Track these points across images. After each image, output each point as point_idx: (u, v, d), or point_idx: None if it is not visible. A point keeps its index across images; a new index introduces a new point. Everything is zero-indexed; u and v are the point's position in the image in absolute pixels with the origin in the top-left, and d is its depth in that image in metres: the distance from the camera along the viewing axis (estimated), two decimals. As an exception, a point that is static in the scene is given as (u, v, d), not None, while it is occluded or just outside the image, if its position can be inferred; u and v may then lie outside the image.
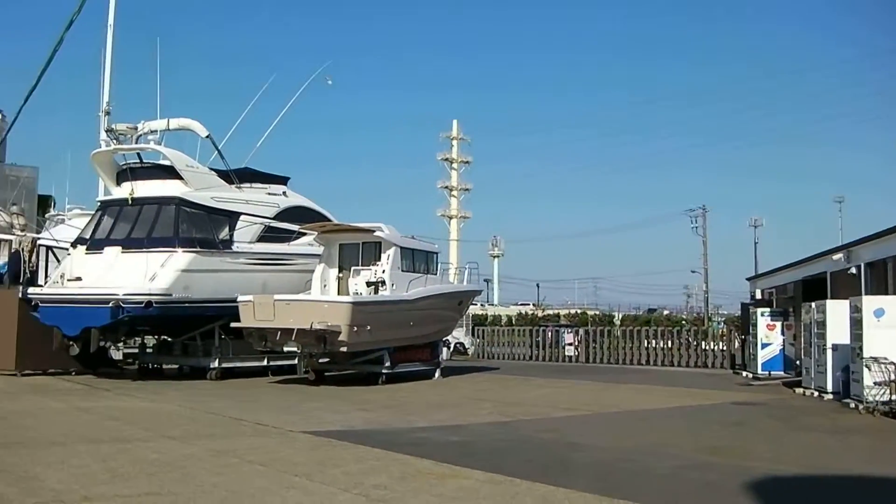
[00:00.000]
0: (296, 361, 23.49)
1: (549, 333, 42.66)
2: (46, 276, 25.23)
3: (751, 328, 29.10)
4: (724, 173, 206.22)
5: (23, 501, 7.97)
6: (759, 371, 27.84)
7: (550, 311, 77.12)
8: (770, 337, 27.98)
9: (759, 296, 36.61)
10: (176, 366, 25.82)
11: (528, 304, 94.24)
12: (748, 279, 45.21)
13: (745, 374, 29.46)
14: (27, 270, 24.85)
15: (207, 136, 26.57)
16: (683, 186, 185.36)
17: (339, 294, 24.08)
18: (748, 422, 17.17)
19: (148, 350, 26.77)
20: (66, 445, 11.55)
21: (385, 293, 23.87)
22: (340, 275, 24.88)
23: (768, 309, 29.70)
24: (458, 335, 40.80)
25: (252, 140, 29.71)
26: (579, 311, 78.58)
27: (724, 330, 42.28)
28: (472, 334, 45.03)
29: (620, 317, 73.37)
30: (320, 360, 23.55)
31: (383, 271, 24.10)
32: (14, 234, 26.49)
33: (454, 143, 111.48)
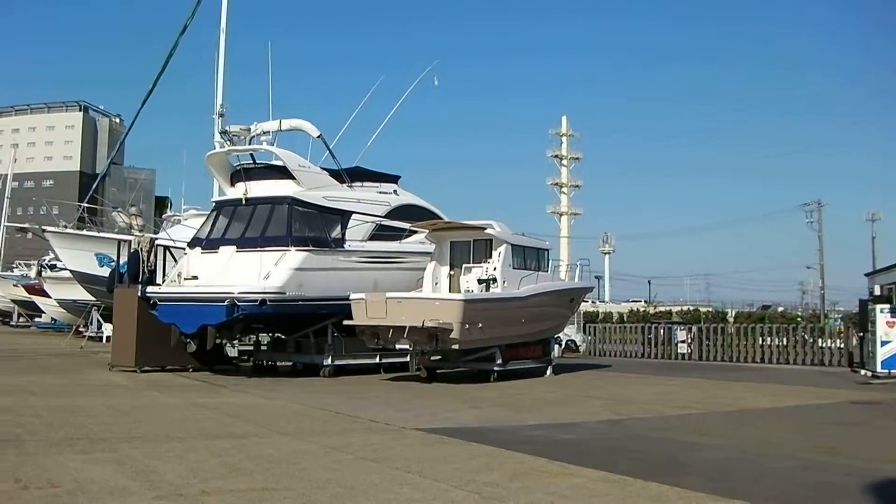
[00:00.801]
0: (408, 359, 23.60)
1: (662, 330, 42.16)
2: (164, 276, 25.74)
3: (869, 325, 28.32)
4: (841, 167, 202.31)
5: (143, 494, 8.17)
6: (879, 369, 27.05)
7: (662, 308, 76.39)
8: (890, 334, 27.18)
9: (877, 292, 35.69)
10: (290, 363, 26.16)
11: (640, 301, 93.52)
12: (866, 275, 44.20)
13: (863, 372, 28.67)
14: (146, 270, 25.42)
15: (319, 137, 26.90)
16: (798, 180, 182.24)
17: (450, 292, 24.12)
18: (868, 421, 16.75)
19: (262, 347, 27.19)
20: (184, 440, 11.79)
21: (496, 290, 23.84)
22: (452, 272, 24.93)
23: (888, 305, 28.86)
24: (570, 332, 40.52)
25: (362, 140, 30.01)
26: (691, 308, 77.63)
27: (841, 327, 41.22)
28: (584, 331, 44.75)
29: (733, 313, 72.17)
30: (432, 358, 23.58)
31: (494, 269, 24.07)
32: (133, 235, 27.14)
33: (564, 139, 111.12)
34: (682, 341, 39.90)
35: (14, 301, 66.47)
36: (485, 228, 24.60)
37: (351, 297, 22.45)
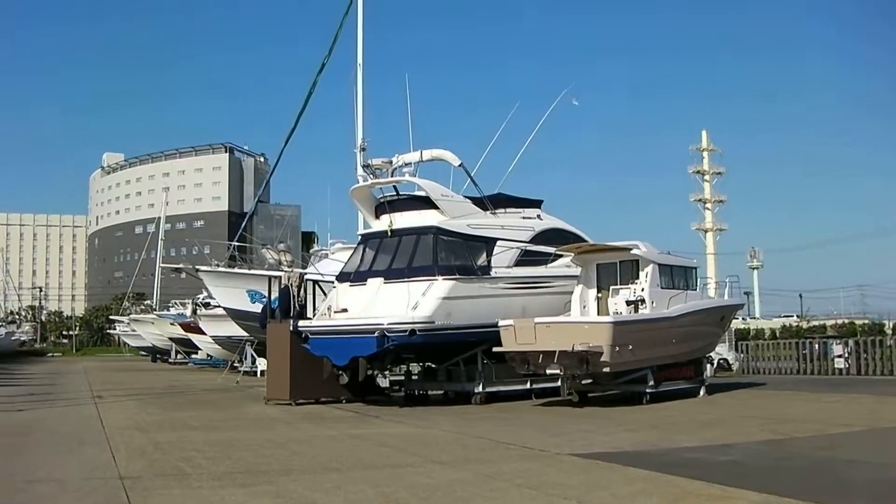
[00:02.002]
0: (559, 383, 23.45)
1: (817, 346, 41.06)
2: (315, 310, 26.12)
3: None
4: None
5: (305, 528, 8.27)
6: None
7: (816, 322, 74.51)
8: None
9: None
10: (441, 391, 26.22)
11: (792, 316, 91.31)
12: None
13: None
14: (297, 305, 25.84)
15: (460, 165, 27.02)
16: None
17: (598, 314, 23.90)
18: None
19: (413, 377, 27.34)
20: (341, 472, 11.92)
21: (645, 311, 23.53)
22: (599, 295, 24.71)
23: None
24: (722, 351, 39.78)
25: (502, 166, 30.02)
26: (846, 321, 75.49)
27: None
28: (736, 349, 43.89)
29: (892, 325, 69.85)
30: (583, 382, 23.40)
31: (642, 289, 23.78)
32: (283, 271, 27.63)
33: (705, 154, 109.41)
34: (839, 356, 38.74)
35: (171, 339, 68.50)
36: (631, 249, 24.35)
37: (499, 324, 22.42)
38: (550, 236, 26.58)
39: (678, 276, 25.33)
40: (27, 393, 32.10)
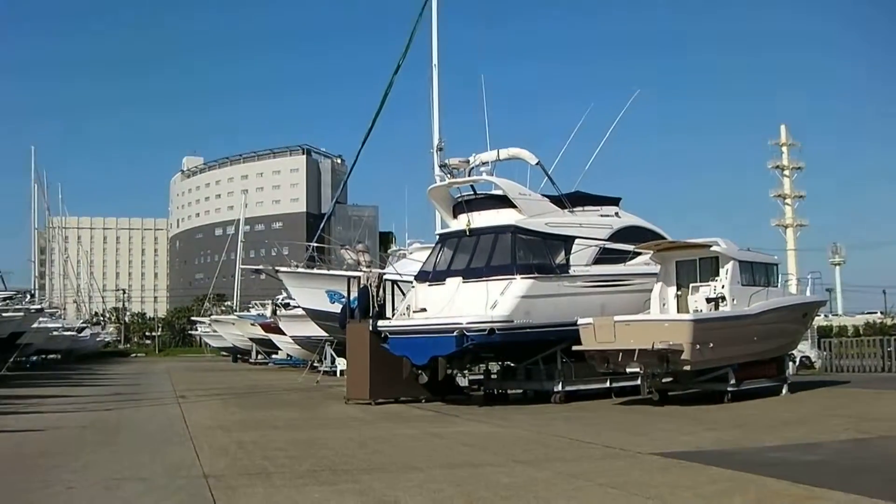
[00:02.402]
0: (638, 382, 23.28)
1: (902, 343, 40.30)
2: (393, 309, 26.24)
3: None
4: None
5: (388, 526, 8.32)
6: None
7: (901, 318, 73.11)
8: None
9: None
10: (520, 390, 26.18)
11: (875, 313, 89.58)
12: None
13: None
14: (376, 304, 25.96)
15: (537, 164, 26.96)
16: None
17: (678, 312, 23.69)
18: None
19: (492, 376, 27.31)
20: (423, 470, 11.96)
21: (726, 309, 23.27)
22: (679, 292, 24.48)
23: None
24: (804, 348, 39.21)
25: (580, 163, 29.90)
26: (932, 316, 73.98)
27: None
28: (818, 347, 43.23)
29: (981, 319, 68.25)
30: (663, 380, 23.20)
31: (723, 286, 23.52)
32: (361, 271, 27.77)
33: (784, 149, 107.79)
34: (926, 353, 37.99)
35: (252, 339, 69.20)
36: (710, 246, 24.09)
37: (578, 323, 22.32)
38: (629, 234, 26.40)
39: (759, 273, 24.99)
40: (113, 393, 32.73)
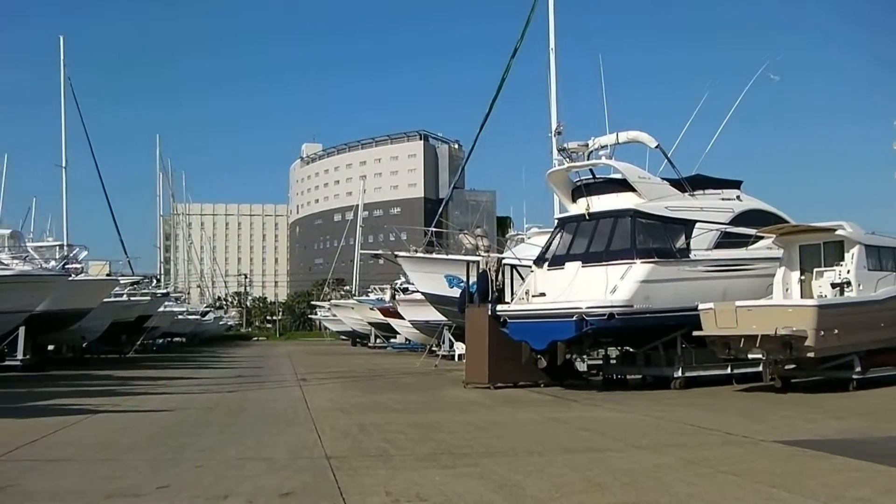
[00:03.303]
0: (760, 369, 22.88)
1: None
2: (512, 294, 26.25)
3: None
4: None
5: (509, 509, 8.34)
6: None
7: None
8: None
9: None
10: (639, 376, 25.95)
11: None
12: None
13: None
14: (495, 289, 26.00)
15: (657, 147, 26.70)
16: None
17: (802, 297, 23.19)
18: None
19: (611, 361, 27.15)
20: (543, 455, 11.94)
21: (851, 294, 22.69)
22: (802, 277, 23.94)
23: None
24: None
25: (700, 146, 29.51)
26: None
27: None
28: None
29: None
30: (786, 367, 22.75)
31: (848, 271, 22.93)
32: (480, 256, 27.83)
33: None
34: None
35: (371, 323, 69.90)
36: (835, 230, 23.47)
37: (699, 308, 22.01)
38: (751, 218, 25.92)
39: (886, 258, 24.27)
40: (236, 375, 33.46)
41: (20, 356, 35.10)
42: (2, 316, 31.39)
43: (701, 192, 26.19)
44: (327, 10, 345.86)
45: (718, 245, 24.83)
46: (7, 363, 34.45)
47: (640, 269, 22.76)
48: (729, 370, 24.49)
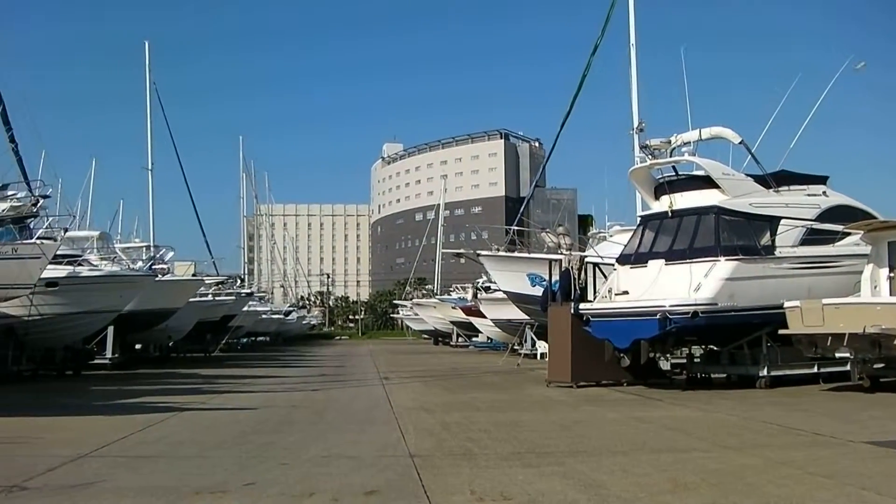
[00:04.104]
0: (848, 368, 22.50)
1: None
2: (595, 292, 26.14)
3: None
4: None
5: (594, 508, 8.31)
6: None
7: None
8: None
9: None
10: (723, 375, 25.66)
11: None
12: None
13: None
14: (577, 287, 25.92)
15: (741, 143, 26.39)
16: None
17: (891, 295, 22.72)
18: None
19: (695, 360, 26.88)
20: (627, 454, 11.88)
21: (943, 292, 22.21)
22: (892, 274, 23.44)
23: None
24: None
25: (783, 142, 29.07)
26: None
27: None
28: None
29: None
30: (875, 366, 22.33)
31: (940, 268, 22.47)
32: (562, 254, 27.74)
33: None
34: None
35: (453, 322, 70.08)
36: (925, 225, 23.01)
37: (785, 306, 21.70)
38: (837, 214, 25.45)
39: None
40: (319, 374, 33.80)
41: (109, 355, 35.81)
42: (91, 315, 32.09)
43: (786, 188, 25.80)
44: (406, 7, 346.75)
45: (804, 242, 24.43)
46: (97, 361, 35.11)
47: (724, 267, 22.51)
48: (815, 369, 24.11)
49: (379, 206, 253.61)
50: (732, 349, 24.67)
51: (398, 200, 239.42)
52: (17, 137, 28.94)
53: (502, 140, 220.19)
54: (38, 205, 23.83)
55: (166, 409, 18.72)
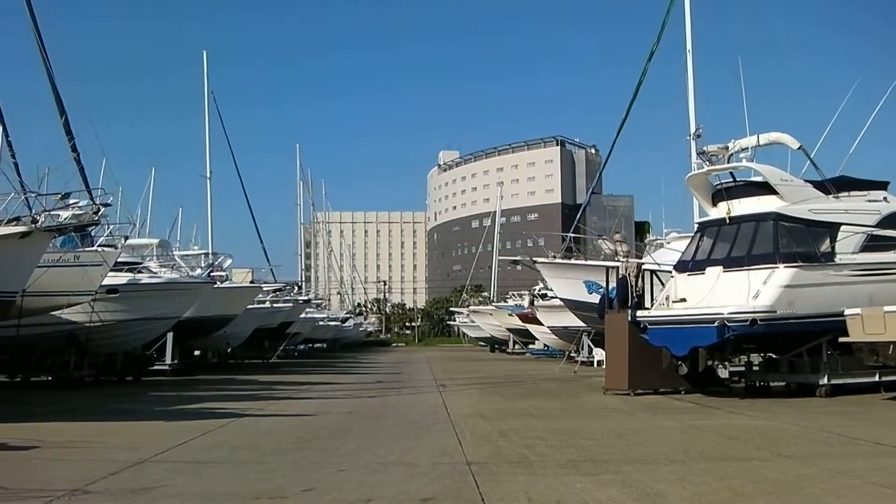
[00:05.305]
0: (911, 376, 22.23)
1: None
2: (652, 300, 26.01)
3: None
4: None
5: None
6: None
7: None
8: None
9: None
10: (783, 383, 25.40)
11: None
12: None
13: None
14: (634, 295, 25.81)
15: (799, 148, 26.10)
16: None
17: (955, 302, 22.38)
18: None
19: (754, 368, 26.63)
20: (685, 463, 11.79)
21: None
22: (956, 282, 23.16)
23: None
24: None
25: (843, 149, 28.75)
26: None
27: None
28: None
29: None
30: (941, 374, 22.03)
31: None
32: (619, 261, 27.65)
33: None
34: None
35: (509, 329, 70.09)
36: None
37: (846, 313, 21.44)
38: (898, 220, 25.14)
39: None
40: (376, 381, 33.91)
41: (168, 361, 36.28)
42: (151, 322, 32.52)
43: (845, 193, 25.46)
44: (462, 15, 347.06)
45: (865, 248, 24.08)
46: (156, 367, 35.56)
47: (783, 274, 22.29)
48: (877, 377, 23.76)
49: (435, 213, 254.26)
50: (792, 357, 24.39)
51: (454, 207, 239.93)
52: (79, 146, 29.32)
53: (558, 147, 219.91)
54: (100, 213, 24.12)
55: (225, 414, 18.91)
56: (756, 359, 26.83)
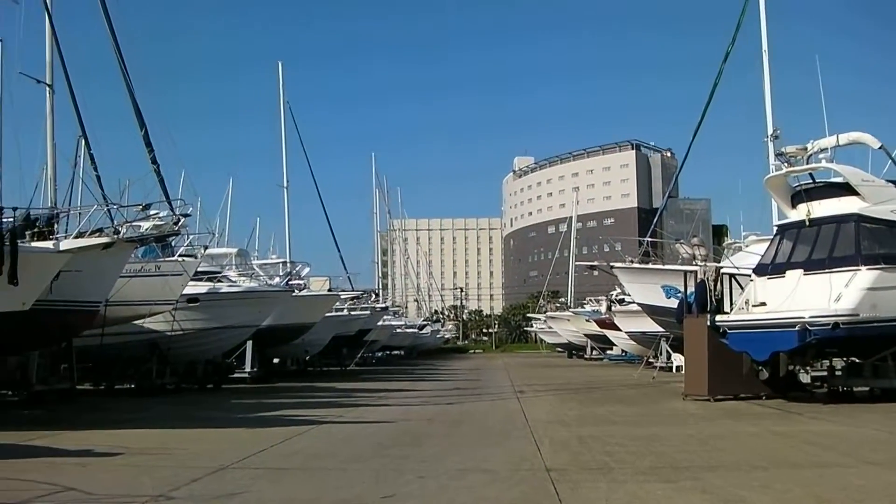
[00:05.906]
0: None
1: None
2: (731, 304, 25.71)
3: None
4: None
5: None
6: None
7: None
8: None
9: None
10: (866, 388, 24.93)
11: None
12: None
13: None
14: (713, 299, 25.54)
15: (880, 147, 25.64)
16: None
17: None
18: None
19: (837, 372, 26.18)
20: (767, 469, 11.67)
21: None
22: None
23: None
24: None
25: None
26: None
27: None
28: None
29: None
30: None
31: None
32: (697, 265, 27.40)
33: None
34: None
35: (586, 335, 69.78)
36: None
37: (931, 316, 21.05)
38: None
39: None
40: (454, 387, 33.93)
41: (248, 369, 36.67)
42: (231, 330, 32.91)
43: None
44: (536, 20, 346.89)
45: (951, 250, 23.60)
46: (236, 375, 35.95)
47: (865, 276, 21.89)
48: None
49: (511, 219, 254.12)
50: (876, 361, 23.91)
51: (530, 213, 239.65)
52: (158, 157, 29.76)
53: (634, 151, 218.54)
54: (180, 223, 24.54)
55: (304, 422, 19.05)
56: (838, 363, 26.36)
